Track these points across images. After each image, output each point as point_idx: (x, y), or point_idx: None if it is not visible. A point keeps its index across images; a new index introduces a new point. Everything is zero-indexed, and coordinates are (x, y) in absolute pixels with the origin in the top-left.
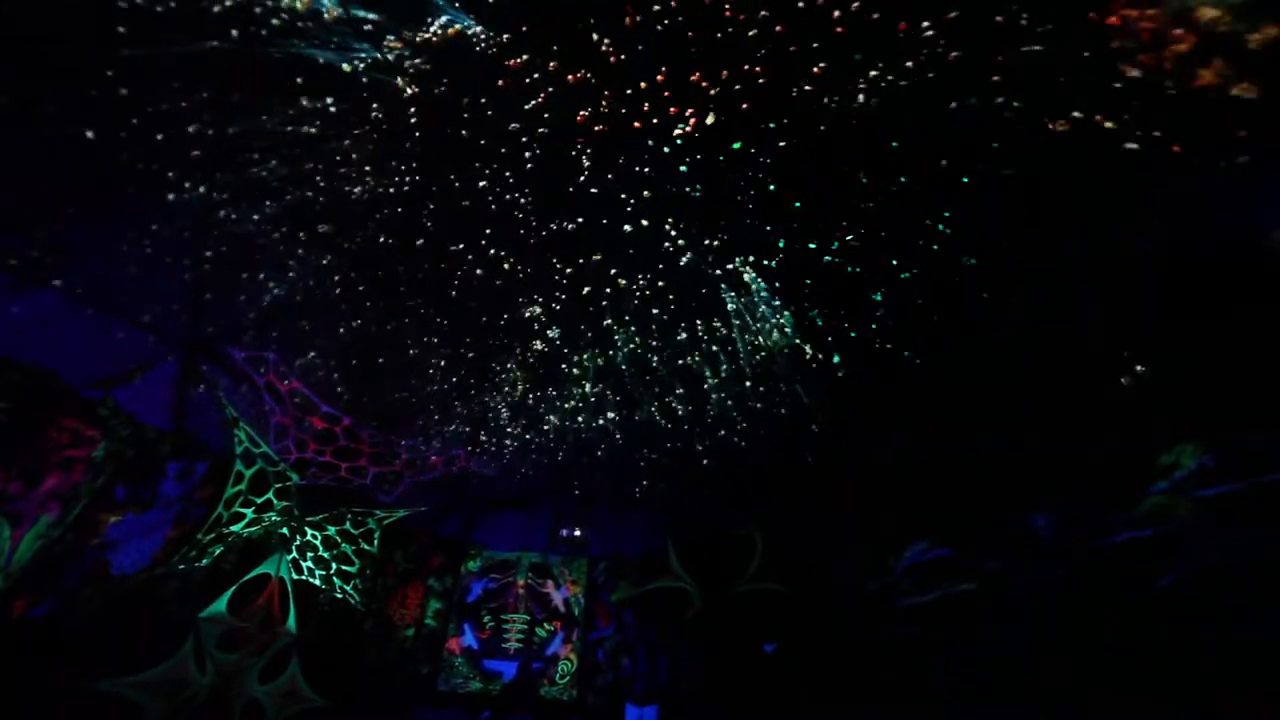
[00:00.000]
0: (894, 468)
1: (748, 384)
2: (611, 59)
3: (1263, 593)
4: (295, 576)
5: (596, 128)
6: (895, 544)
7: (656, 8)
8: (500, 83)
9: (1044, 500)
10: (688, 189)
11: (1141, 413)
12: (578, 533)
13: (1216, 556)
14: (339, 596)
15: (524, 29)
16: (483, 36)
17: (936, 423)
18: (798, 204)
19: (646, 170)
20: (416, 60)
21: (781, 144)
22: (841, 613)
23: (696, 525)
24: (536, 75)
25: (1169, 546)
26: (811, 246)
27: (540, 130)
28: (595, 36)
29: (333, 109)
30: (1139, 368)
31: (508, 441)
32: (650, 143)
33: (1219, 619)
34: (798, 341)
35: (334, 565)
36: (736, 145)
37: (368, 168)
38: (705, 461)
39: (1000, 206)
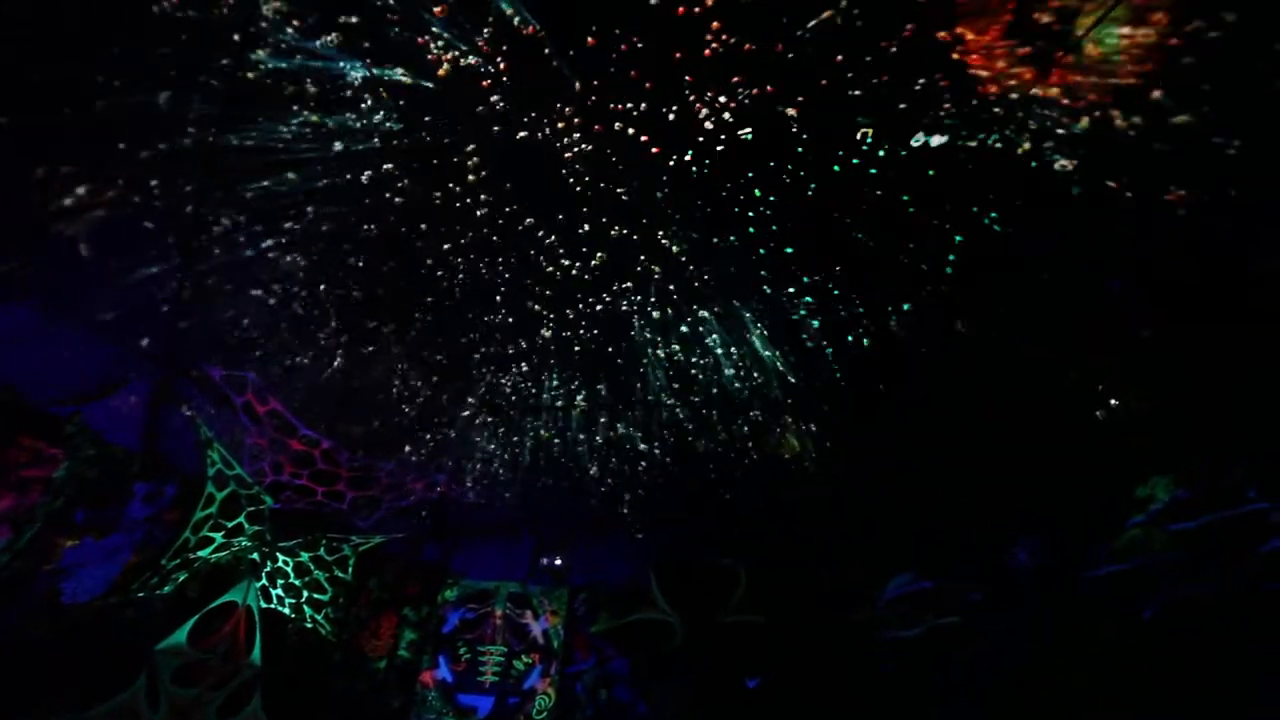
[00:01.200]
0: (877, 500)
1: (739, 420)
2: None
3: (1236, 623)
4: (264, 605)
5: (594, 154)
6: (879, 576)
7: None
8: (501, 110)
9: (1025, 532)
10: (689, 221)
11: (1118, 446)
12: (558, 562)
13: (1191, 588)
14: (309, 626)
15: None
16: (483, 65)
17: (918, 455)
18: (784, 247)
19: (643, 196)
20: (408, 91)
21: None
22: (826, 646)
23: (679, 556)
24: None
25: (1147, 578)
26: (790, 287)
27: (536, 158)
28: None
29: (323, 129)
30: (1113, 401)
31: (489, 468)
32: (649, 172)
33: (1199, 649)
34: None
35: (305, 593)
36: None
37: (362, 182)
38: (689, 492)
39: (979, 244)
